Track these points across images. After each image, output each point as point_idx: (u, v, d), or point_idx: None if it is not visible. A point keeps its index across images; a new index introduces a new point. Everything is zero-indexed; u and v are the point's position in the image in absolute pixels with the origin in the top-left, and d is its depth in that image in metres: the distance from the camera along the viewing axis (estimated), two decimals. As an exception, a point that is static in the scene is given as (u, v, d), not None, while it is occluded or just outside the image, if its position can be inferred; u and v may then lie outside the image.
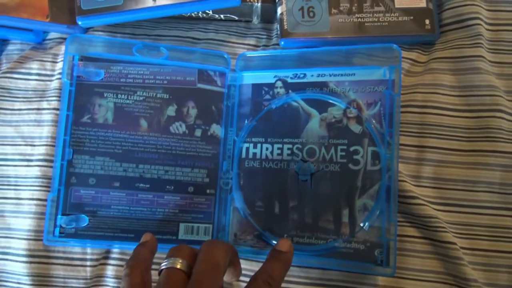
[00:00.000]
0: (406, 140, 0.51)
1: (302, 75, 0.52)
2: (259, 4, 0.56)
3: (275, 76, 0.53)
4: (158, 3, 0.55)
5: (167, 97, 0.53)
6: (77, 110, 0.53)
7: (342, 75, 0.51)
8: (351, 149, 0.49)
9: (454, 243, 0.48)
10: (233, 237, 0.52)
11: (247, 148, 0.52)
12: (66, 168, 0.52)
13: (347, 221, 0.48)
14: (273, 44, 0.57)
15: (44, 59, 0.58)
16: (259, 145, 0.52)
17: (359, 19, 0.54)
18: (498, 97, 0.50)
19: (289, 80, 0.53)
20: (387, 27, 0.53)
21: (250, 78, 0.54)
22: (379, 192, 0.48)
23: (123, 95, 0.53)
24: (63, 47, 0.57)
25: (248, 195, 0.52)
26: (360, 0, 0.54)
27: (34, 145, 0.56)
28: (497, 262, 0.48)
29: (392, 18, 0.54)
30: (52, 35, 0.61)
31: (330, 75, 0.51)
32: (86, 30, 0.59)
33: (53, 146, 0.55)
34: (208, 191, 0.53)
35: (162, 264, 0.39)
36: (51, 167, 0.54)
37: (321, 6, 0.54)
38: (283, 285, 0.49)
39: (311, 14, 0.54)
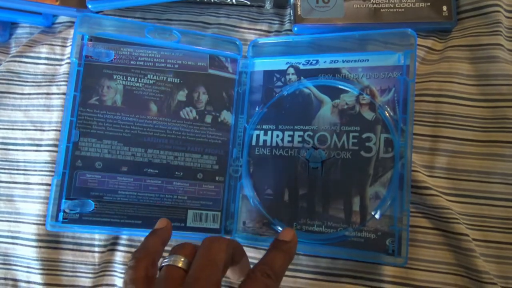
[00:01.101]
0: (420, 129, 0.49)
1: (314, 62, 0.50)
2: None
3: (287, 63, 0.51)
4: None
5: (178, 81, 0.51)
6: (85, 91, 0.50)
7: (355, 61, 0.49)
8: (364, 136, 0.47)
9: (467, 235, 0.46)
10: (242, 225, 0.50)
11: (258, 135, 0.50)
12: (71, 150, 0.49)
13: (358, 209, 0.46)
14: (285, 30, 0.55)
15: (54, 43, 0.56)
16: (269, 132, 0.50)
17: (375, 5, 0.52)
18: None
19: (301, 67, 0.51)
20: (403, 14, 0.51)
21: (261, 64, 0.52)
22: (392, 180, 0.46)
23: (133, 78, 0.50)
24: (72, 31, 0.55)
25: (257, 183, 0.50)
26: None
27: (43, 130, 0.55)
28: (510, 255, 0.46)
29: (409, 4, 0.51)
30: (61, 18, 0.59)
31: (343, 61, 0.49)
32: (96, 13, 0.56)
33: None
34: (217, 178, 0.51)
35: (164, 261, 0.37)
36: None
37: None
38: (291, 274, 0.48)
39: None
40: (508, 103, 0.47)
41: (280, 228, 0.48)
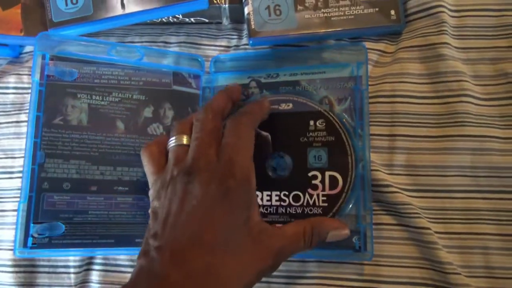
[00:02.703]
0: (377, 130, 0.49)
1: (275, 75, 0.50)
2: (227, 5, 0.53)
3: (249, 77, 0.50)
4: (127, 10, 0.52)
5: (144, 98, 0.49)
6: (48, 111, 0.46)
7: (313, 73, 0.49)
8: None
9: (428, 228, 0.45)
10: None
11: None
12: (37, 173, 0.45)
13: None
14: (243, 44, 0.54)
15: (21, 72, 0.55)
16: None
17: (325, 14, 0.51)
18: (464, 82, 0.47)
19: (263, 80, 0.50)
20: (353, 20, 0.51)
21: (224, 79, 0.51)
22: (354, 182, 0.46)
23: (97, 96, 0.48)
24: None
25: None
26: None
27: (14, 157, 0.53)
28: (471, 244, 0.45)
29: (358, 11, 0.51)
30: (28, 48, 0.57)
31: (302, 74, 0.50)
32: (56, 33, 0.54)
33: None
34: None
35: (170, 143, 0.42)
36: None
37: (287, 3, 0.51)
38: (264, 280, 0.46)
39: (278, 12, 0.51)
40: (458, 98, 0.47)
41: None
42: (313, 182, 0.46)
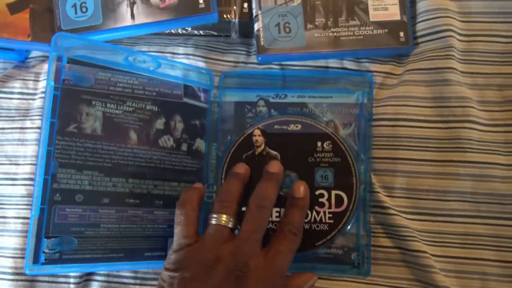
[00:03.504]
0: (379, 153, 0.49)
1: (283, 96, 0.50)
2: (237, 20, 0.52)
3: (257, 95, 0.50)
4: (136, 21, 0.51)
5: (156, 109, 0.47)
6: (63, 118, 0.43)
7: (320, 97, 0.50)
8: None
9: (424, 251, 0.45)
10: None
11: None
12: (50, 183, 0.41)
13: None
14: (251, 62, 0.54)
15: (27, 77, 0.53)
16: None
17: (335, 34, 0.51)
18: (469, 108, 0.47)
19: (271, 100, 0.50)
20: (362, 41, 0.51)
21: (232, 96, 0.50)
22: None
23: (112, 105, 0.45)
24: (45, 66, 0.53)
25: None
26: (335, 14, 0.51)
27: (18, 164, 0.51)
28: (469, 269, 0.46)
29: (367, 32, 0.51)
30: (34, 53, 0.55)
31: (309, 97, 0.50)
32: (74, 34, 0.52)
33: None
34: None
35: (212, 218, 0.42)
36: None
37: (297, 21, 0.51)
38: None
39: (287, 29, 0.51)
40: (461, 124, 0.47)
41: None
42: (320, 200, 0.47)
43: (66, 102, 0.43)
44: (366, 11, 0.52)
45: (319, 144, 0.48)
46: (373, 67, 0.51)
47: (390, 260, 0.48)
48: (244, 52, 0.55)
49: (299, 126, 0.49)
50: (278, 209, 0.47)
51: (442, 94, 0.49)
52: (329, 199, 0.47)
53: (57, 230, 0.42)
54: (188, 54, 0.54)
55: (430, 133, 0.48)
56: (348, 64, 0.53)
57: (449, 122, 0.48)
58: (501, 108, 0.49)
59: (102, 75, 0.45)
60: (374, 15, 0.52)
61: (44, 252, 0.41)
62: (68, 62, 0.44)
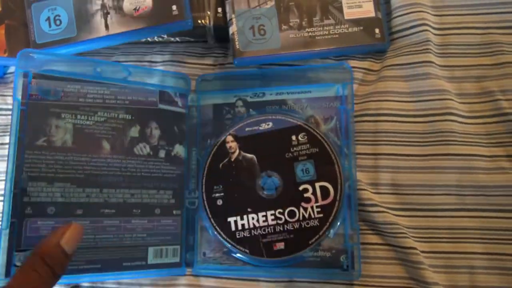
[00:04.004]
0: (362, 149, 0.48)
1: (261, 94, 0.49)
2: (212, 25, 0.51)
3: (235, 96, 0.49)
4: (111, 31, 0.50)
5: (130, 117, 0.47)
6: (31, 132, 0.43)
7: (299, 92, 0.49)
8: None
9: (414, 248, 0.45)
10: (202, 256, 0.47)
11: None
12: (20, 197, 0.41)
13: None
14: (229, 62, 0.52)
15: (5, 93, 0.53)
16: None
17: (310, 33, 0.50)
18: (448, 100, 0.46)
19: (249, 99, 0.49)
20: (338, 39, 0.50)
21: (210, 98, 0.50)
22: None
23: (82, 116, 0.44)
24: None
25: (215, 213, 0.47)
26: (309, 14, 0.50)
27: None
28: (457, 264, 0.45)
29: (342, 30, 0.50)
30: (12, 69, 0.55)
31: (288, 93, 0.49)
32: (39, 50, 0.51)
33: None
34: (174, 212, 0.47)
35: None
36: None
37: (271, 23, 0.50)
38: None
39: (262, 32, 0.50)
40: (443, 117, 0.46)
41: (240, 255, 0.46)
42: (305, 195, 0.46)
43: (34, 116, 0.43)
44: (340, 9, 0.51)
45: (293, 137, 0.48)
46: (352, 63, 0.50)
47: (380, 258, 0.47)
48: (221, 55, 0.54)
49: (270, 124, 0.48)
50: (272, 212, 0.46)
51: (421, 88, 0.48)
52: (314, 193, 0.46)
53: (29, 243, 0.41)
54: (165, 61, 0.53)
55: (412, 128, 0.48)
56: (326, 63, 0.52)
57: (430, 115, 0.47)
58: (480, 99, 0.48)
59: (71, 87, 0.45)
60: (349, 13, 0.51)
61: (15, 266, 0.40)
62: (34, 77, 0.43)
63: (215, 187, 0.47)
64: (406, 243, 0.45)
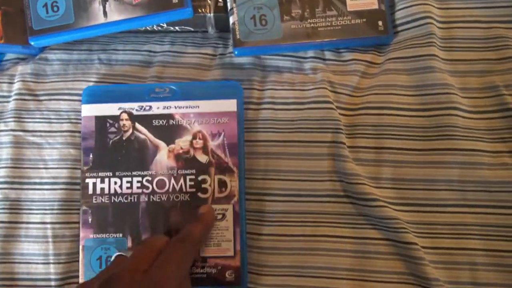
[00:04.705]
0: (363, 142, 0.47)
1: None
2: (212, 14, 0.50)
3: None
4: (109, 19, 0.49)
5: None
6: None
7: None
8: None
9: (415, 243, 0.44)
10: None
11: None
12: None
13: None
14: (229, 53, 0.51)
15: (1, 80, 0.51)
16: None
17: (312, 24, 0.49)
18: (452, 94, 0.45)
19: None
20: (340, 31, 0.49)
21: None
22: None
23: None
24: (19, 68, 0.51)
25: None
26: (312, 5, 0.49)
27: None
28: (459, 260, 0.45)
29: (345, 22, 0.49)
30: (8, 56, 0.53)
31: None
32: (42, 49, 0.52)
33: (14, 168, 0.48)
34: None
35: None
36: (11, 189, 0.48)
37: (273, 13, 0.49)
38: None
39: (263, 22, 0.49)
40: (446, 111, 0.45)
41: None
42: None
43: None
44: (343, 1, 0.49)
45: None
46: (354, 56, 0.49)
47: (380, 253, 0.46)
48: (221, 45, 0.52)
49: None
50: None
51: (425, 81, 0.47)
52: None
53: None
54: (165, 51, 0.52)
55: (415, 122, 0.47)
56: (328, 55, 0.51)
57: (433, 110, 0.46)
58: (483, 94, 0.47)
59: None
60: (352, 5, 0.50)
61: None
62: None
63: None
64: (407, 238, 0.44)
